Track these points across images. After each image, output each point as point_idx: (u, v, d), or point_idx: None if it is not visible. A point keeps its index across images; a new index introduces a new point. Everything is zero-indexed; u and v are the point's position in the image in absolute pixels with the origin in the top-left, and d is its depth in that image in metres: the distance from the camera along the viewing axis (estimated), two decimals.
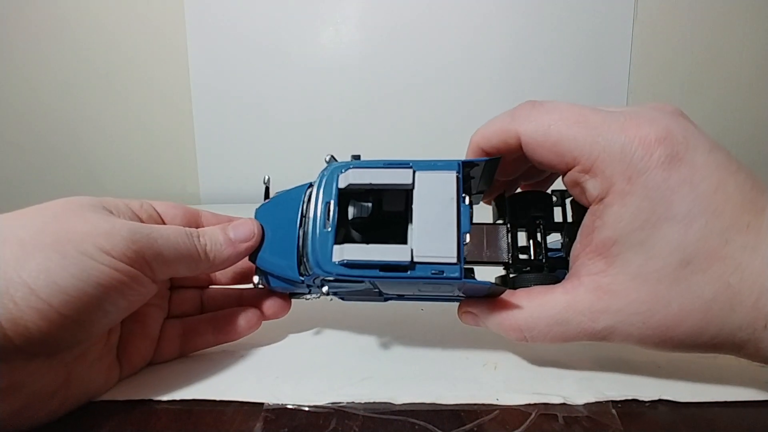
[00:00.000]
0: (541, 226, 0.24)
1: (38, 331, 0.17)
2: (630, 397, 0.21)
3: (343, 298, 0.26)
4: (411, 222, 0.21)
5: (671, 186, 0.18)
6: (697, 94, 0.80)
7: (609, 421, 0.19)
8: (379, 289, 0.23)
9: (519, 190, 0.27)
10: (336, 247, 0.21)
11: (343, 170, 0.22)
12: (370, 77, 0.89)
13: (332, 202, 0.22)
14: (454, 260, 0.20)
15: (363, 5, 0.87)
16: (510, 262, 0.24)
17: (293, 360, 0.25)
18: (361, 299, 0.25)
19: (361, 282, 0.22)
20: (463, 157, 0.23)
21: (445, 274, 0.20)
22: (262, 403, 0.21)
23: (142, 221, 0.24)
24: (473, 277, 0.23)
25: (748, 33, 0.88)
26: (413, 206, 0.21)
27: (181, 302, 0.27)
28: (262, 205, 0.26)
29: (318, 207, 0.22)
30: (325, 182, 0.23)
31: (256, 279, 0.25)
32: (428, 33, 0.88)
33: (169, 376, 0.23)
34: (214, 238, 0.23)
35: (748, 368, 0.23)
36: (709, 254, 0.18)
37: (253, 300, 0.27)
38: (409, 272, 0.20)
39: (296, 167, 0.91)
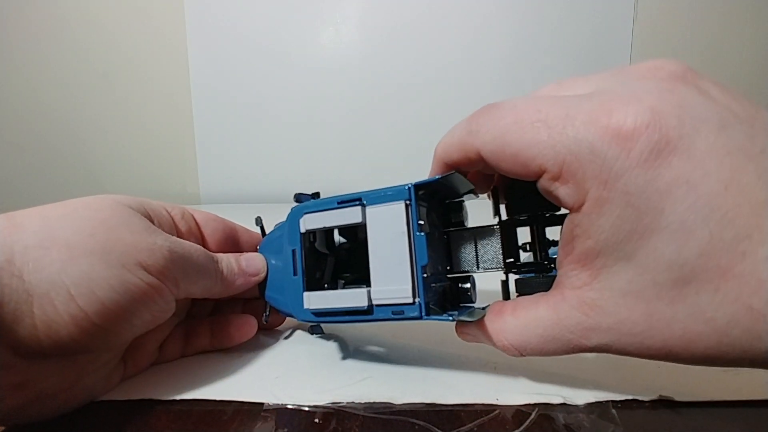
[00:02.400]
0: (540, 221, 0.22)
1: (69, 337, 0.17)
2: (630, 397, 0.21)
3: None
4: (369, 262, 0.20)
5: (660, 188, 0.15)
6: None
7: (609, 421, 0.19)
8: None
9: None
10: (305, 294, 0.22)
11: (303, 214, 0.23)
12: (370, 77, 0.89)
13: (297, 249, 0.23)
14: (410, 300, 0.19)
15: (363, 5, 0.87)
16: (504, 268, 0.22)
17: (293, 360, 0.25)
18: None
19: (332, 323, 0.22)
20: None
21: (405, 314, 0.19)
22: (262, 403, 0.21)
23: (180, 233, 0.25)
24: (462, 293, 0.23)
25: (748, 33, 0.88)
26: (368, 244, 0.20)
27: (197, 307, 0.28)
28: (263, 242, 0.27)
29: (283, 255, 0.24)
30: (288, 229, 0.24)
31: (264, 315, 0.26)
32: (428, 33, 0.88)
33: (169, 376, 0.23)
34: (229, 266, 0.24)
35: (748, 369, 0.23)
36: (718, 271, 0.14)
37: (252, 308, 0.28)
38: (370, 316, 0.20)
39: (296, 167, 0.91)
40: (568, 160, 0.16)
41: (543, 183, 0.17)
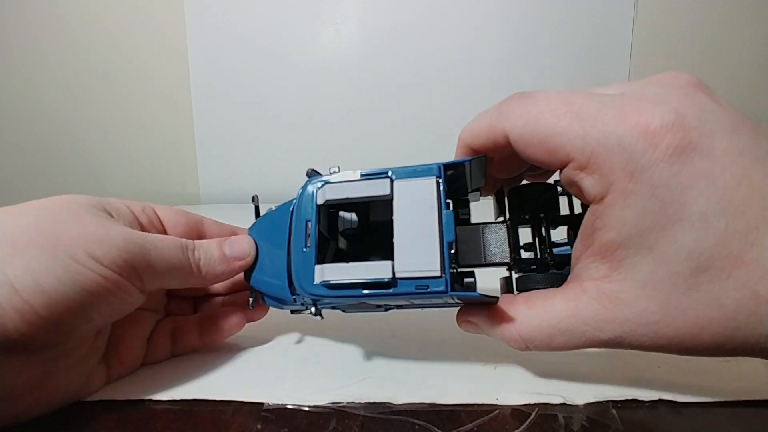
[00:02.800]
0: (545, 222, 0.22)
1: (16, 332, 0.17)
2: (630, 397, 0.21)
3: (344, 311, 0.25)
4: (393, 235, 0.20)
5: (683, 182, 0.16)
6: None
7: (609, 421, 0.19)
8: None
9: (524, 181, 0.25)
10: (317, 267, 0.20)
11: (320, 186, 0.22)
12: (370, 77, 0.89)
13: (311, 221, 0.22)
14: (438, 273, 0.19)
15: (363, 5, 0.87)
16: (512, 263, 0.23)
17: (293, 360, 0.25)
18: (362, 311, 0.25)
19: (341, 299, 0.21)
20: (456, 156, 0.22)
21: (430, 288, 0.19)
22: (262, 403, 0.21)
23: (142, 226, 0.23)
24: (468, 287, 0.22)
25: (748, 33, 0.88)
26: (393, 218, 0.20)
27: (175, 307, 0.27)
28: (255, 223, 0.26)
29: (293, 228, 0.22)
30: (303, 200, 0.22)
31: (250, 300, 0.25)
32: (428, 33, 0.88)
33: (168, 376, 0.23)
34: (209, 253, 0.23)
35: (748, 368, 0.23)
36: (730, 259, 0.16)
37: (239, 302, 0.28)
38: (392, 289, 0.19)
39: (296, 167, 0.90)
40: (597, 151, 0.17)
41: (568, 172, 0.18)
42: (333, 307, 0.24)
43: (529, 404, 0.20)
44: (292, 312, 0.26)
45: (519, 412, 0.20)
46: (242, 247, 0.24)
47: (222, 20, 0.88)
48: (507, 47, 0.87)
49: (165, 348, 0.25)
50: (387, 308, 0.24)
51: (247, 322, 0.27)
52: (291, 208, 0.23)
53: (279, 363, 0.24)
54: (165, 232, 0.25)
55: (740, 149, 0.16)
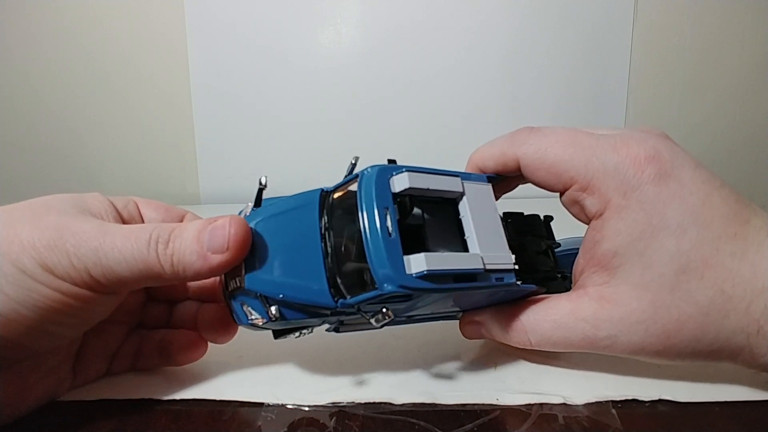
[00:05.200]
0: (547, 242, 0.25)
1: None
2: (630, 397, 0.21)
3: (337, 330, 0.23)
4: (466, 230, 0.21)
5: (663, 199, 0.20)
6: (696, 94, 0.80)
7: (609, 421, 0.19)
8: (407, 311, 0.21)
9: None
10: (412, 257, 0.18)
11: (394, 173, 0.20)
12: (370, 77, 0.89)
13: (390, 208, 0.19)
14: (512, 266, 0.21)
15: (363, 5, 0.87)
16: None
17: (293, 360, 0.25)
18: (362, 329, 0.23)
19: (434, 293, 0.19)
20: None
21: (504, 281, 0.20)
22: (262, 403, 0.21)
23: (123, 221, 0.22)
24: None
25: (748, 33, 0.88)
26: (469, 214, 0.21)
27: (150, 311, 0.25)
28: (257, 211, 0.21)
29: (369, 213, 0.19)
30: (376, 186, 0.19)
31: (254, 316, 0.20)
32: (428, 33, 0.88)
33: (169, 376, 0.23)
34: (182, 248, 0.19)
35: (747, 369, 0.23)
36: (702, 262, 0.19)
37: (211, 320, 0.24)
38: (475, 282, 0.20)
39: (296, 167, 0.91)
40: (597, 175, 0.20)
41: (571, 194, 0.22)
42: (357, 325, 0.22)
43: (529, 404, 0.20)
44: (278, 334, 0.22)
45: (519, 412, 0.20)
46: (220, 236, 0.19)
47: (222, 20, 0.88)
48: (507, 47, 0.87)
49: (126, 364, 0.23)
50: (394, 322, 0.22)
51: (216, 342, 0.24)
52: (321, 198, 0.21)
53: (279, 363, 0.24)
54: None
55: (702, 180, 0.20)
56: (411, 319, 0.23)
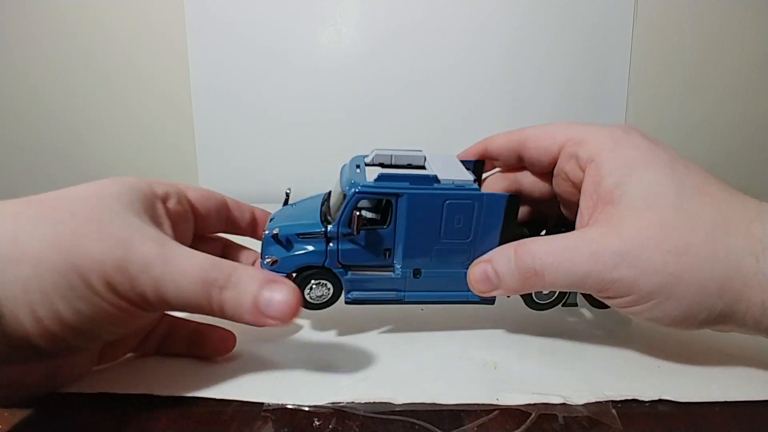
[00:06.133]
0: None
1: (31, 347, 0.18)
2: (630, 397, 0.21)
3: (357, 300, 0.25)
4: (426, 167, 0.25)
5: (651, 146, 0.23)
6: (696, 94, 0.80)
7: (609, 421, 0.19)
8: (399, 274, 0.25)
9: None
10: (368, 168, 0.24)
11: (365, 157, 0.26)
12: (371, 77, 0.89)
13: (361, 165, 0.26)
14: (472, 180, 0.23)
15: (363, 5, 0.87)
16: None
17: (293, 360, 0.25)
18: (380, 297, 0.25)
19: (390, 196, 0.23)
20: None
21: (465, 188, 0.23)
22: (262, 403, 0.21)
23: (174, 222, 0.23)
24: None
25: (748, 33, 0.88)
26: (429, 160, 0.25)
27: None
28: (286, 207, 0.28)
29: (347, 165, 0.26)
30: (353, 159, 0.27)
31: (268, 260, 0.24)
32: (428, 33, 0.88)
33: (169, 376, 0.23)
34: (238, 301, 0.20)
35: (748, 368, 0.23)
36: (696, 188, 0.21)
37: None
38: (434, 185, 0.23)
39: (296, 167, 0.91)
40: (591, 132, 0.24)
41: (568, 148, 0.24)
42: (351, 289, 0.25)
43: (529, 404, 0.20)
44: (301, 285, 0.25)
45: (519, 412, 0.20)
46: (283, 310, 0.20)
47: (222, 20, 0.88)
48: (507, 47, 0.87)
49: (152, 347, 0.25)
50: (407, 297, 0.26)
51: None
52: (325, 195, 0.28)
53: (279, 363, 0.24)
54: (196, 220, 0.26)
55: (663, 146, 0.23)
56: (423, 289, 0.25)
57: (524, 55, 0.87)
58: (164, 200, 0.23)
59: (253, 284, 0.20)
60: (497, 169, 0.30)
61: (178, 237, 0.23)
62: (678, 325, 0.21)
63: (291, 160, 0.90)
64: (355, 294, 0.25)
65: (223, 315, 0.20)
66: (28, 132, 0.94)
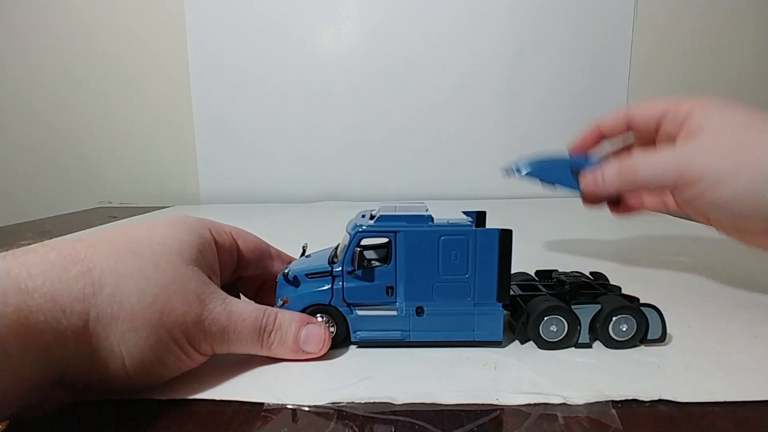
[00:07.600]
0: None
1: (102, 388, 0.20)
2: (630, 397, 0.21)
3: (363, 340, 0.26)
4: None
5: (724, 108, 0.30)
6: (696, 94, 0.80)
7: (609, 421, 0.19)
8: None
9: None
10: (368, 218, 0.26)
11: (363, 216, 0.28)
12: (371, 78, 0.89)
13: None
14: (467, 221, 0.25)
15: (363, 5, 0.87)
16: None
17: (293, 360, 0.25)
18: (385, 337, 0.26)
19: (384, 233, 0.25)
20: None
21: (459, 225, 0.25)
22: (262, 403, 0.21)
23: (221, 254, 0.26)
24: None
25: (748, 33, 0.88)
26: (430, 209, 0.27)
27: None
28: (302, 258, 0.29)
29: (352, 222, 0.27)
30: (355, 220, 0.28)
31: (280, 302, 0.26)
32: (429, 33, 0.88)
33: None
34: (283, 341, 0.24)
35: (748, 368, 0.23)
36: (760, 129, 0.28)
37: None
38: (429, 223, 0.25)
39: (296, 168, 0.91)
40: (685, 99, 0.32)
41: (670, 112, 0.32)
42: (357, 328, 0.26)
43: (529, 404, 0.20)
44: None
45: (519, 412, 0.20)
46: (317, 345, 0.24)
47: (222, 21, 0.88)
48: (507, 46, 0.87)
49: None
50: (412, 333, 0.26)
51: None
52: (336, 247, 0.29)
53: (279, 363, 0.24)
54: (239, 249, 0.28)
55: (740, 121, 0.29)
56: (427, 329, 0.25)
57: (525, 54, 0.87)
58: (220, 249, 0.26)
59: (293, 326, 0.24)
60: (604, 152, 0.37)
61: (224, 277, 0.27)
62: (743, 208, 0.27)
63: (290, 160, 0.90)
64: (361, 334, 0.26)
65: (269, 353, 0.24)
66: (28, 132, 0.94)
